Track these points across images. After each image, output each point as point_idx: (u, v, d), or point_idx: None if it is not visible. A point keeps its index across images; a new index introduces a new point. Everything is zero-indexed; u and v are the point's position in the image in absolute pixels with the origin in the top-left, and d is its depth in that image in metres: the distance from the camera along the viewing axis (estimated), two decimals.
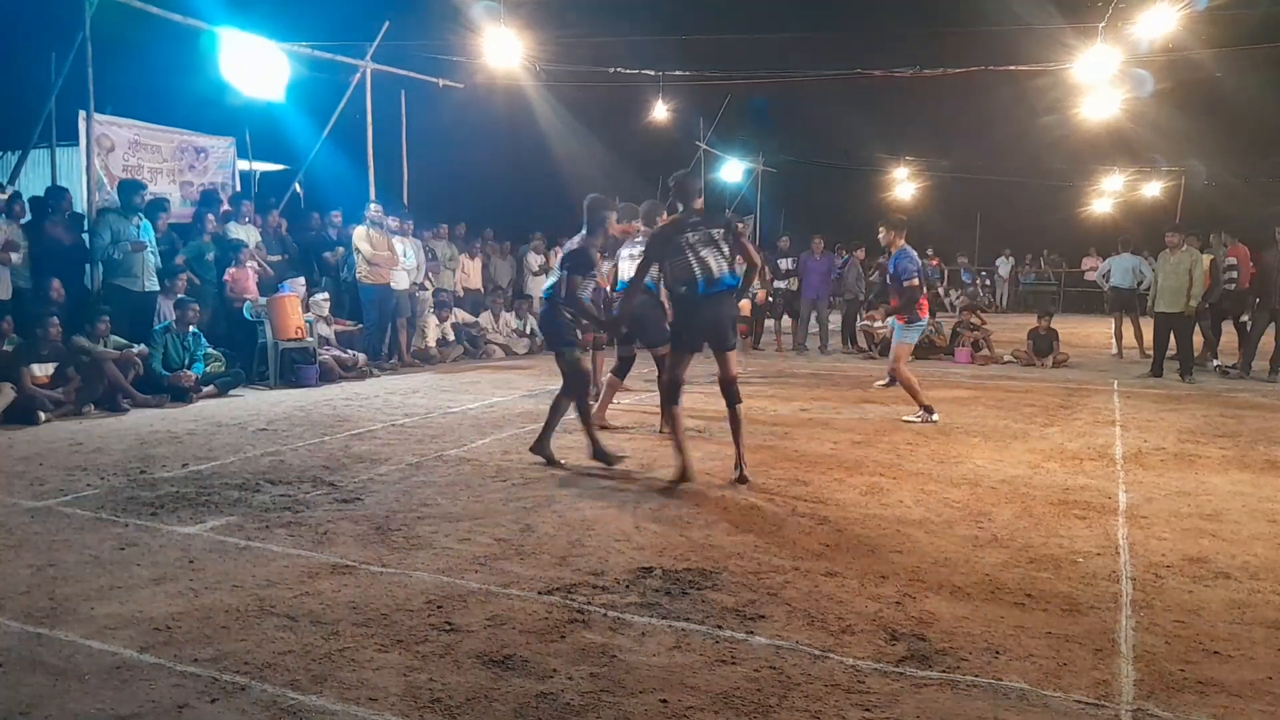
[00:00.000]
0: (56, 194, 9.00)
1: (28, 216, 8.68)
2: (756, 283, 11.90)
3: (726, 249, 5.39)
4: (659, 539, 4.37)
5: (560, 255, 5.98)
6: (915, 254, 7.79)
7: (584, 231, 5.88)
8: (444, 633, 3.25)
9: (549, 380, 10.20)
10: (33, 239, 8.54)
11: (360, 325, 10.93)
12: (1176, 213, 21.63)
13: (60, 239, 8.78)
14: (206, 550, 4.11)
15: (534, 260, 14.37)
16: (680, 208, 5.54)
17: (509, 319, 13.42)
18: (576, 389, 5.82)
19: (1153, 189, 24.64)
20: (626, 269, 6.92)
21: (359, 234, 10.69)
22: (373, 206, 10.93)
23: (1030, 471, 5.91)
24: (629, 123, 16.53)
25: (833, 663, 3.07)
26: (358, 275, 10.76)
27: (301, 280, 10.13)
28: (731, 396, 5.51)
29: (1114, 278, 13.46)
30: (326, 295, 10.26)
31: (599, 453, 5.81)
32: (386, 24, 11.80)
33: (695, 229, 5.34)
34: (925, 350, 13.09)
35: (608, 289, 7.50)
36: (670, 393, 5.52)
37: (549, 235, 15.07)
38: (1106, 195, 26.00)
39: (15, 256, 8.15)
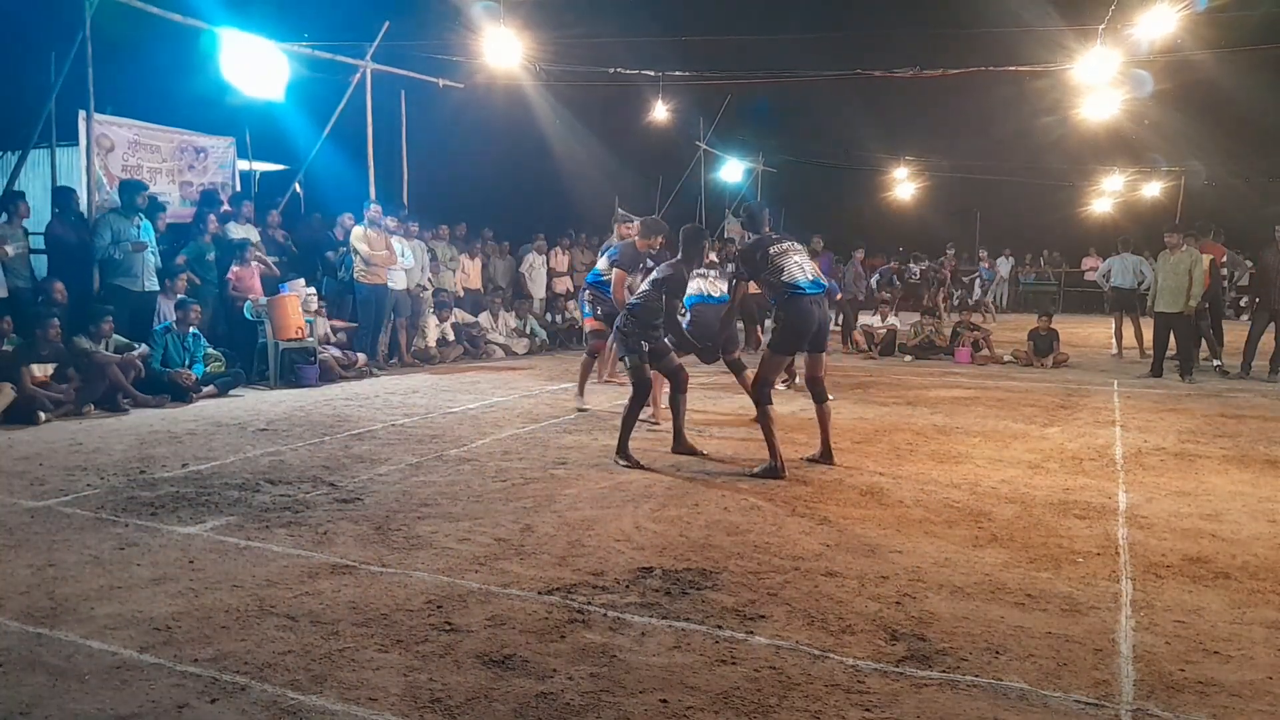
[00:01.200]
0: (64, 194, 9.00)
1: (29, 216, 8.68)
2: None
3: (809, 259, 5.90)
4: (659, 539, 4.37)
5: (653, 278, 6.22)
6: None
7: (679, 256, 6.24)
8: (444, 633, 3.25)
9: (548, 380, 10.21)
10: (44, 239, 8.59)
11: (357, 324, 10.94)
12: (1176, 213, 21.63)
13: (67, 239, 8.80)
14: (206, 550, 4.11)
15: (534, 260, 14.37)
16: (750, 235, 6.06)
17: (508, 319, 13.42)
18: (637, 393, 6.10)
19: (1153, 189, 24.64)
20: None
21: (356, 234, 10.72)
22: (372, 207, 10.95)
23: (1030, 471, 5.91)
24: (629, 123, 16.53)
25: (833, 663, 3.07)
26: (355, 274, 10.78)
27: (301, 281, 10.13)
28: (820, 395, 5.99)
29: (1114, 278, 13.47)
30: (312, 290, 10.18)
31: (624, 453, 6.03)
32: (386, 24, 11.80)
33: (777, 242, 5.79)
34: (925, 350, 13.11)
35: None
36: (763, 393, 5.68)
37: (549, 235, 15.07)
38: (1106, 195, 25.99)
39: (9, 249, 8.15)
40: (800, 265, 5.72)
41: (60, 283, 8.25)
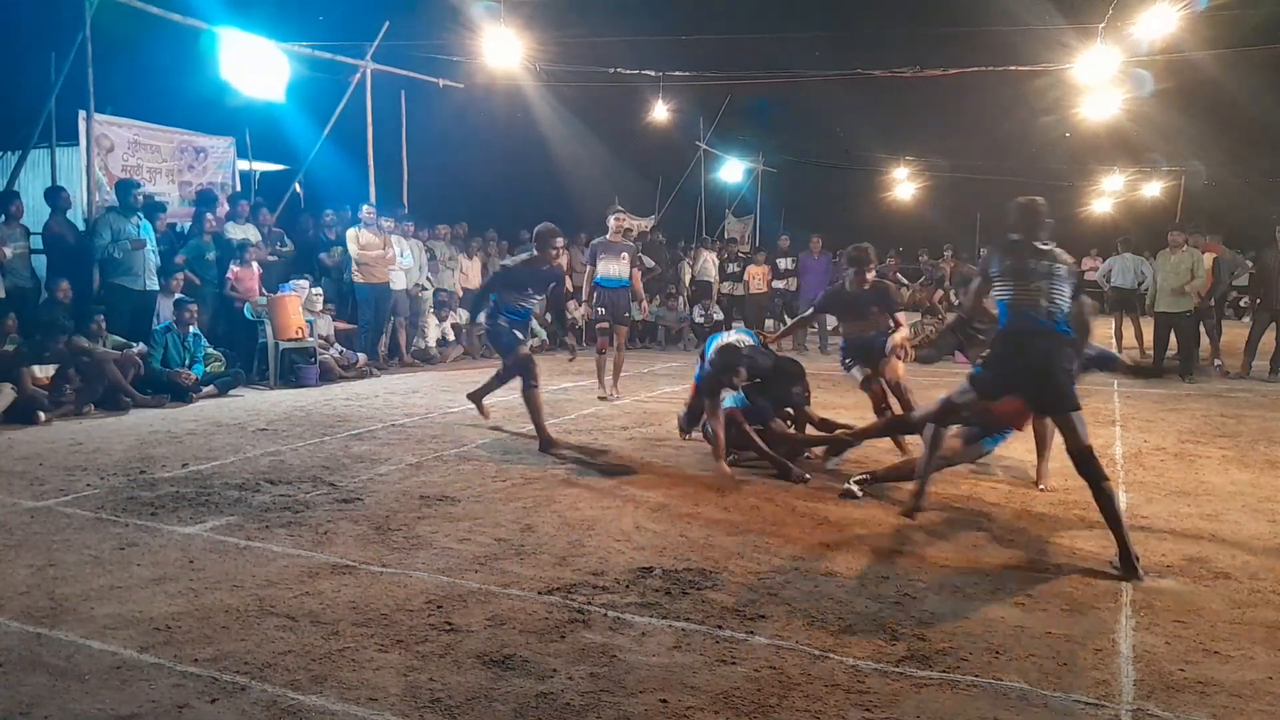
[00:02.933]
0: (55, 194, 9.01)
1: (23, 215, 8.68)
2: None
3: (1066, 284, 4.56)
4: (659, 539, 4.37)
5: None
6: None
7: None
8: (444, 633, 3.25)
9: (548, 380, 10.20)
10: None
11: (357, 326, 10.97)
12: (1177, 213, 21.62)
13: (63, 238, 8.79)
14: (206, 550, 4.11)
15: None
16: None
17: None
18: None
19: (1153, 189, 24.63)
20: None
21: (350, 235, 10.79)
22: (365, 208, 11.00)
23: (1030, 471, 5.90)
24: (629, 123, 16.52)
25: (833, 663, 3.07)
26: (353, 275, 10.82)
27: (305, 281, 10.14)
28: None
29: (1114, 278, 13.47)
30: (319, 290, 10.23)
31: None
32: (386, 24, 11.81)
33: (1033, 257, 4.65)
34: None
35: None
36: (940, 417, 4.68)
37: None
38: (1106, 195, 25.97)
39: (7, 251, 8.16)
40: (1042, 291, 4.39)
41: (66, 282, 8.26)
